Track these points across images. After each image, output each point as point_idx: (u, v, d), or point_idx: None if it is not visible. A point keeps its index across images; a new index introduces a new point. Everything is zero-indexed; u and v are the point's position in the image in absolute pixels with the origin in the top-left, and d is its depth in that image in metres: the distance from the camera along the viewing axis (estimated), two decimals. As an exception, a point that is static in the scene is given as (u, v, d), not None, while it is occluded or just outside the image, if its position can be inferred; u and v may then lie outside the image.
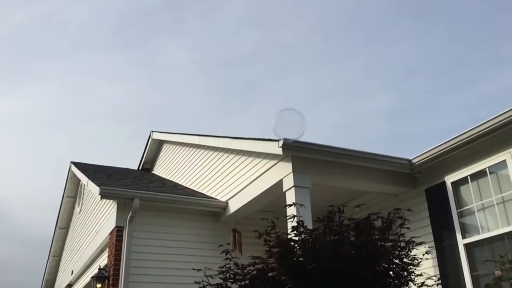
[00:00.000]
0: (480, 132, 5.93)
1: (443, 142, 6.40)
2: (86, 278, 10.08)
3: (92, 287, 8.02)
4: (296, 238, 4.13)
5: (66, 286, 12.41)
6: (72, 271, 11.67)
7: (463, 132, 6.12)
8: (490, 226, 6.04)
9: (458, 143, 6.20)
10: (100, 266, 8.35)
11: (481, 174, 6.22)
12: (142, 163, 13.14)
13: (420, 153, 6.75)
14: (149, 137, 12.54)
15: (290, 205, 5.03)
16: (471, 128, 6.03)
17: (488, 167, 6.11)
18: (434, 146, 6.52)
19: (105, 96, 40.11)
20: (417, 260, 4.43)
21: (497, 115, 5.71)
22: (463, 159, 6.38)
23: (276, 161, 6.79)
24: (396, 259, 4.25)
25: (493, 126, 5.78)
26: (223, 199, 8.37)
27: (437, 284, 5.13)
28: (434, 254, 6.52)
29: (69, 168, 12.16)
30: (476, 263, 6.08)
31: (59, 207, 13.44)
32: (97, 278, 7.89)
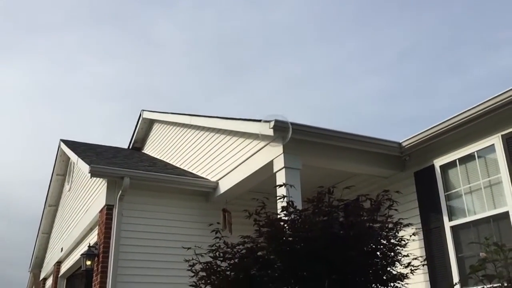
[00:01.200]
0: (470, 116, 5.98)
1: (432, 125, 6.45)
2: (76, 255, 10.12)
3: (82, 264, 8.06)
4: (286, 218, 4.17)
5: (56, 263, 12.46)
6: (62, 248, 11.70)
7: (453, 116, 6.17)
8: (476, 209, 6.13)
9: (448, 127, 6.25)
10: (90, 244, 8.39)
11: (469, 158, 6.29)
12: (132, 142, 13.09)
13: (410, 136, 6.80)
14: (140, 116, 12.49)
15: (280, 186, 5.08)
16: (460, 112, 6.07)
17: (477, 151, 6.18)
18: (424, 129, 6.56)
19: (95, 73, 39.74)
20: (404, 241, 4.50)
21: (486, 99, 5.76)
22: (452, 143, 6.43)
23: (267, 142, 6.80)
24: (383, 240, 4.31)
25: (482, 111, 5.83)
26: (214, 179, 8.39)
27: (423, 265, 5.23)
28: (421, 235, 6.62)
29: (59, 146, 12.09)
30: (462, 245, 6.19)
31: (48, 185, 13.41)
32: (87, 255, 7.93)
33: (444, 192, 6.50)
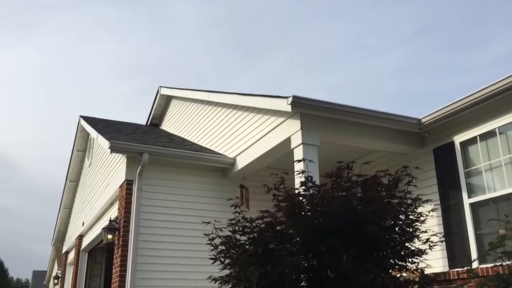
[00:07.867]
0: (491, 93, 5.88)
1: (452, 102, 6.36)
2: (97, 229, 10.34)
3: (103, 238, 8.24)
4: (305, 193, 4.19)
5: (78, 237, 12.75)
6: (83, 223, 11.95)
7: (473, 92, 6.08)
8: (496, 186, 6.08)
9: (468, 103, 6.17)
10: (110, 218, 8.55)
11: (490, 134, 6.21)
12: (150, 118, 13.19)
13: (430, 113, 6.72)
14: (157, 92, 12.54)
15: (299, 161, 5.08)
16: (481, 89, 5.98)
17: (498, 127, 6.10)
18: (444, 106, 6.48)
19: (113, 50, 39.82)
20: (422, 217, 4.50)
21: (508, 75, 5.65)
22: (472, 119, 6.35)
23: (284, 118, 6.80)
24: (402, 216, 4.31)
25: (504, 87, 5.72)
26: (231, 156, 8.44)
27: (442, 241, 5.23)
28: (440, 212, 6.61)
29: (78, 122, 12.25)
30: (481, 222, 6.16)
31: (69, 161, 13.64)
32: (108, 229, 8.10)
33: (464, 169, 6.45)
